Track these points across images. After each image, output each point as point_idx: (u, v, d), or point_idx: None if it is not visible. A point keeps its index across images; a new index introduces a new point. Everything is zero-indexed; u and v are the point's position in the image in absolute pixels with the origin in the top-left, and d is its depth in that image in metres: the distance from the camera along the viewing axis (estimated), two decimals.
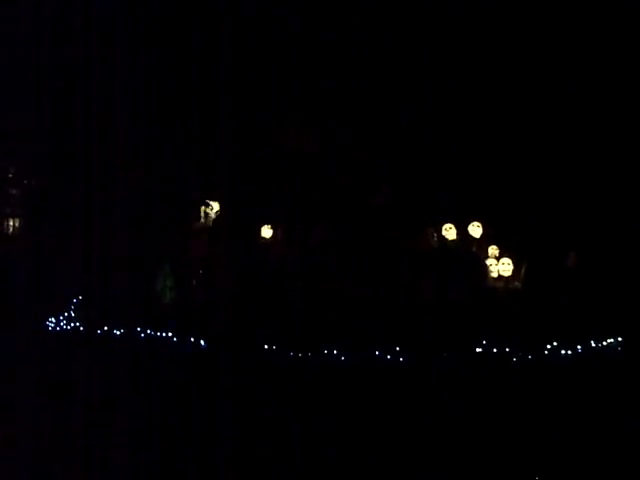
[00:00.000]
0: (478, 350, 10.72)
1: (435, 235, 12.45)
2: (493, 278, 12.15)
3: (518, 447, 10.08)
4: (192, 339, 11.63)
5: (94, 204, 13.08)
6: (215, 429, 10.86)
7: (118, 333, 12.13)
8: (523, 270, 12.04)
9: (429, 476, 10.10)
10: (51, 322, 12.67)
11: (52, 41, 13.19)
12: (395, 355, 10.80)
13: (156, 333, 11.95)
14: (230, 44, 12.86)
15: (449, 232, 12.46)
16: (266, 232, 12.98)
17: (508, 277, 12.08)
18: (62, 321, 12.65)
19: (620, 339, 10.85)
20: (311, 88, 12.90)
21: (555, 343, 10.68)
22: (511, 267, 12.05)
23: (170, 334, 11.85)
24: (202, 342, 11.56)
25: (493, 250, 12.34)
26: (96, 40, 12.96)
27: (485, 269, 12.17)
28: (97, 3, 12.85)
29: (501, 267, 12.12)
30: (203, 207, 13.32)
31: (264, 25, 12.90)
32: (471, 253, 12.41)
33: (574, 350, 10.65)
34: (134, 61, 12.97)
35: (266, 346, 11.23)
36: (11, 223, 13.99)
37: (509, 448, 10.08)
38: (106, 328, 12.19)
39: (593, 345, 10.75)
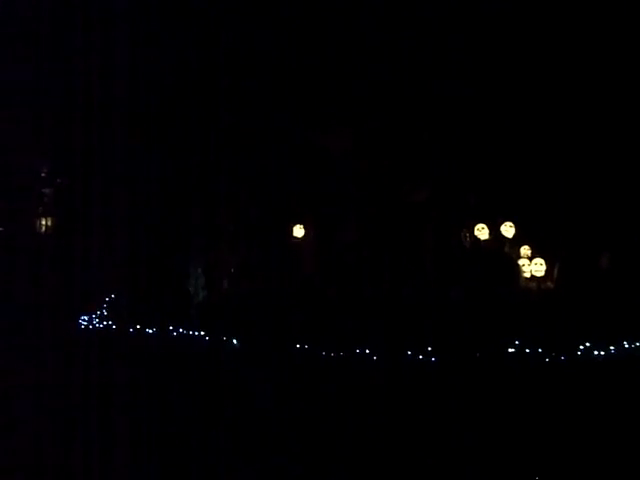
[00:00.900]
0: (511, 350, 10.65)
1: (468, 235, 12.42)
2: (526, 278, 12.11)
3: (543, 447, 10.06)
4: (224, 338, 11.64)
5: (127, 204, 13.15)
6: (246, 427, 10.89)
7: (150, 332, 12.17)
8: (556, 270, 11.99)
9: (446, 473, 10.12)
10: (84, 320, 12.74)
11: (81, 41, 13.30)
12: (427, 355, 10.76)
13: (188, 332, 11.97)
14: (260, 41, 12.89)
15: (481, 232, 12.42)
16: (298, 232, 12.99)
17: (541, 277, 12.04)
18: (94, 319, 12.71)
19: None
20: (343, 89, 12.89)
21: (588, 344, 10.60)
22: (544, 267, 12.00)
23: (202, 333, 11.87)
24: (234, 341, 11.57)
25: (525, 250, 12.29)
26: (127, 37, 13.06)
27: (518, 269, 12.12)
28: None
29: (534, 267, 12.07)
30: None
31: (292, 24, 12.89)
32: (503, 253, 12.37)
33: (607, 351, 10.57)
34: (166, 62, 13.06)
35: (298, 345, 11.22)
36: (44, 222, 14.07)
37: (534, 448, 10.07)
38: (138, 327, 12.24)
39: (626, 346, 10.67)
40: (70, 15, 13.29)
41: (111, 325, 12.60)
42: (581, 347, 10.59)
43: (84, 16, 13.18)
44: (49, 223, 14.07)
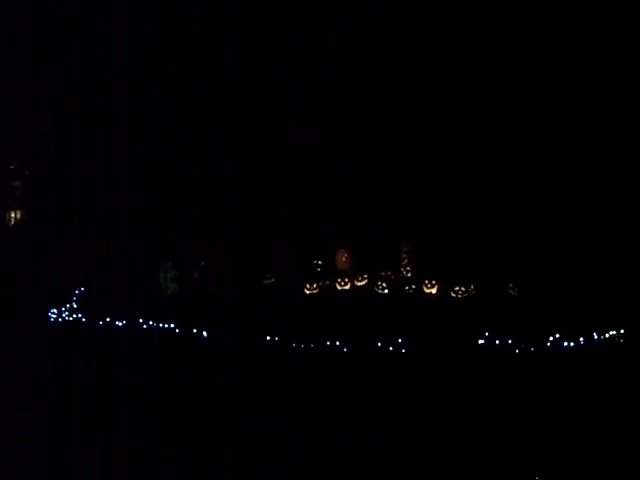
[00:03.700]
0: (480, 342, 10.69)
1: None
2: None
3: (518, 445, 10.08)
4: (194, 330, 11.64)
5: (96, 197, 13.11)
6: (217, 422, 10.90)
7: (120, 324, 12.15)
8: None
9: (427, 473, 10.13)
10: (53, 313, 12.70)
11: (56, 35, 13.24)
12: (397, 346, 10.79)
13: (158, 324, 11.97)
14: (232, 44, 12.89)
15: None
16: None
17: None
18: (64, 312, 12.67)
19: (622, 331, 10.81)
20: (311, 88, 12.88)
21: (557, 335, 10.65)
22: None
23: (172, 325, 11.86)
24: (204, 333, 11.57)
25: None
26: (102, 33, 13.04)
27: None
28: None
29: None
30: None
31: (264, 23, 12.89)
32: None
33: (576, 342, 10.63)
34: (137, 59, 13.05)
35: (268, 337, 11.23)
36: (13, 215, 14.00)
37: (509, 445, 10.08)
38: (108, 319, 12.22)
39: (595, 337, 10.73)
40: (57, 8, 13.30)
41: (80, 318, 12.56)
42: (550, 338, 10.65)
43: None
44: (18, 216, 13.99)
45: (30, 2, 13.39)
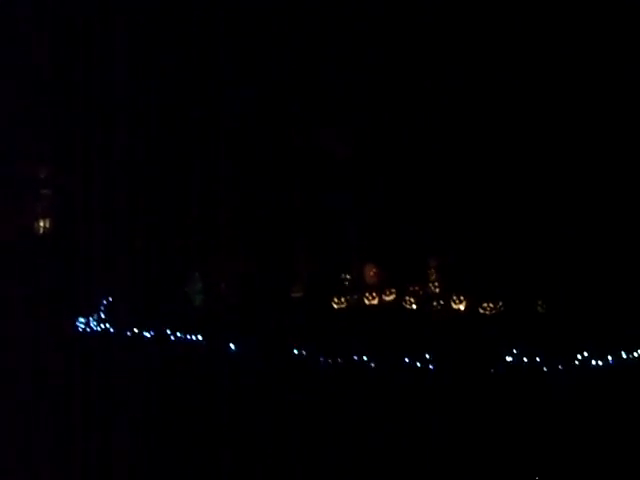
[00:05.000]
0: (508, 359, 10.68)
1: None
2: None
3: (549, 461, 10.09)
4: (221, 343, 11.65)
5: (126, 206, 13.15)
6: (242, 435, 10.92)
7: (148, 335, 12.18)
8: None
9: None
10: (81, 323, 12.73)
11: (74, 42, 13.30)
12: (425, 362, 10.79)
13: (185, 336, 11.98)
14: (261, 44, 12.90)
15: None
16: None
17: None
18: (92, 322, 12.70)
19: None
20: (341, 93, 12.88)
21: (586, 353, 10.62)
22: None
23: (199, 337, 11.88)
24: (231, 346, 11.58)
25: None
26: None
27: None
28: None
29: None
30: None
31: (290, 26, 12.89)
32: None
33: (605, 360, 10.59)
34: (165, 63, 13.08)
35: (295, 351, 11.23)
36: (42, 223, 14.04)
37: (529, 457, 10.09)
38: (136, 330, 12.25)
39: (624, 356, 10.69)
40: (69, 16, 13.30)
41: (108, 328, 12.59)
42: (579, 357, 10.62)
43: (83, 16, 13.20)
44: (47, 225, 14.03)
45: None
